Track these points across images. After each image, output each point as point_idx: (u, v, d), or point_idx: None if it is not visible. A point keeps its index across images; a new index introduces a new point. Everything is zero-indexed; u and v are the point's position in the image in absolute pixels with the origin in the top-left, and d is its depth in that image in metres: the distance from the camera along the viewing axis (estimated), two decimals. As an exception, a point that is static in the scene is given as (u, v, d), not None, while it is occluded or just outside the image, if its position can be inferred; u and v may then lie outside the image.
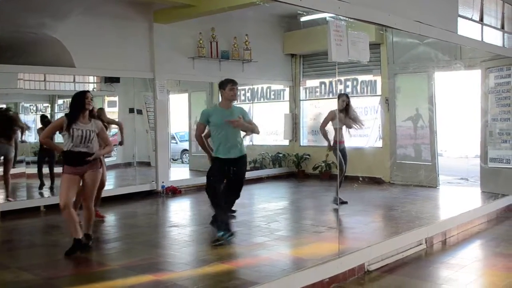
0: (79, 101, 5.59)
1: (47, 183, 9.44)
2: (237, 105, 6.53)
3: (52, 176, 9.40)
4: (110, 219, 8.12)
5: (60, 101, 11.57)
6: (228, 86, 6.08)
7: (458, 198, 9.37)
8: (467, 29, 7.16)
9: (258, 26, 11.31)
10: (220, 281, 4.77)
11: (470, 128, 10.08)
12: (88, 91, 5.76)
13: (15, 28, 7.90)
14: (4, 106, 9.44)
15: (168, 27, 9.74)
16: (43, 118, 9.87)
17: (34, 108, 11.09)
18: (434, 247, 6.04)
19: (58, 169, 9.60)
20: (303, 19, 11.00)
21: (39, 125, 9.66)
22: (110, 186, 10.52)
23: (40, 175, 9.43)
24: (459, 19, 6.94)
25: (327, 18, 4.81)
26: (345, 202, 8.09)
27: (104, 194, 9.00)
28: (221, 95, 6.24)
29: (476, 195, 9.09)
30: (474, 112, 9.49)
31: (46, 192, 9.37)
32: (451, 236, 6.40)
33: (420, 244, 5.86)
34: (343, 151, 8.15)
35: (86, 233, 5.78)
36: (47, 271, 5.12)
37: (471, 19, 7.34)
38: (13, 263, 5.43)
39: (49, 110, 11.34)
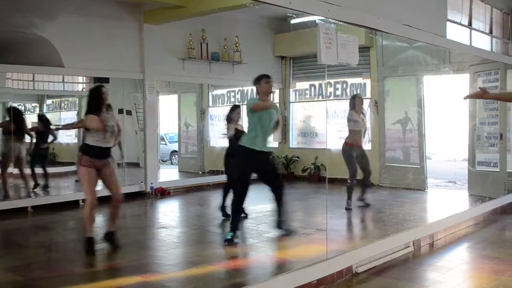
0: (98, 95, 5.69)
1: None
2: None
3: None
4: (98, 220, 8.07)
5: (49, 101, 11.51)
6: (263, 79, 6.14)
7: (446, 201, 9.42)
8: (455, 33, 7.20)
9: (248, 28, 11.31)
10: (208, 283, 4.77)
11: (458, 132, 10.14)
12: (102, 86, 5.86)
13: (4, 27, 7.85)
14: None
15: (158, 28, 9.72)
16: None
17: (23, 108, 11.02)
18: (422, 249, 6.07)
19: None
20: (293, 21, 11.02)
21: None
22: (99, 187, 10.49)
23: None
24: (448, 23, 6.98)
25: (317, 21, 4.82)
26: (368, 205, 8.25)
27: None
28: (258, 90, 6.22)
29: (463, 198, 9.15)
30: (462, 116, 9.55)
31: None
32: (439, 239, 6.43)
33: (408, 247, 5.88)
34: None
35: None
36: (33, 272, 5.09)
37: (459, 24, 7.39)
38: (-1, 264, 5.40)
39: (37, 110, 11.27)
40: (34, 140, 9.50)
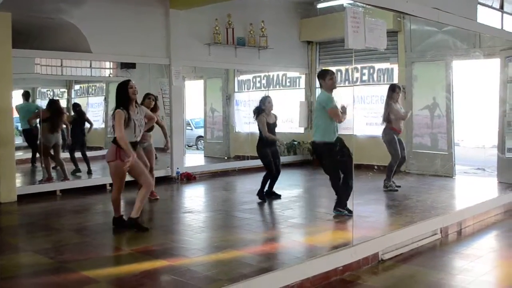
0: (125, 91, 5.81)
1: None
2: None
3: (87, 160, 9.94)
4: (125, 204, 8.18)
5: (77, 87, 11.64)
6: (327, 76, 6.87)
7: (474, 188, 9.28)
8: (486, 16, 7.05)
9: (274, 12, 11.24)
10: (233, 268, 4.79)
11: (488, 118, 9.95)
12: (130, 80, 5.97)
13: (32, 13, 7.92)
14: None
15: (184, 13, 9.71)
16: (75, 106, 10.12)
17: (51, 93, 11.17)
18: (449, 237, 6.00)
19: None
20: (319, 5, 10.90)
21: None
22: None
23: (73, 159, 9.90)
24: (479, 6, 6.82)
25: (345, 5, 4.77)
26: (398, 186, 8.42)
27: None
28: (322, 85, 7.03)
29: (493, 186, 9.01)
30: (492, 102, 9.36)
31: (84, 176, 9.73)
32: (467, 227, 6.35)
33: (435, 234, 5.82)
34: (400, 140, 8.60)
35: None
36: (62, 255, 5.18)
37: (491, 7, 7.22)
38: (29, 247, 5.52)
39: (65, 95, 11.41)
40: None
